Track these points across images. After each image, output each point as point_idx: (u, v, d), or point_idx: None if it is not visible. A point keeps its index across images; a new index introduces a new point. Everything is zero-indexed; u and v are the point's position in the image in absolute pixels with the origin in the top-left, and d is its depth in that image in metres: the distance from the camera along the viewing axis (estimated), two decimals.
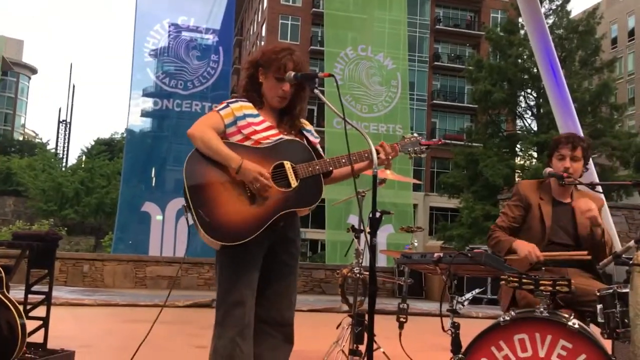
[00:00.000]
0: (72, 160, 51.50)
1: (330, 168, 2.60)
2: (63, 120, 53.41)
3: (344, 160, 2.60)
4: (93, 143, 47.02)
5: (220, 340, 2.47)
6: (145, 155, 15.19)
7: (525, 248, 2.95)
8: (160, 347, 4.99)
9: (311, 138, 2.71)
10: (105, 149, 42.24)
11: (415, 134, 2.87)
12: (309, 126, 2.76)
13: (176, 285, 12.56)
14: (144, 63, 15.33)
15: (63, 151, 51.92)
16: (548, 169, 3.12)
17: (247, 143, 2.54)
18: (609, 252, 3.04)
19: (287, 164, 2.54)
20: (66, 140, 52.73)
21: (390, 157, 2.68)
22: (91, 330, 6.68)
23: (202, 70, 15.14)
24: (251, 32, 48.50)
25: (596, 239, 3.03)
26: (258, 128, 2.59)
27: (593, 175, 7.23)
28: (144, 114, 15.88)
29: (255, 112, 2.62)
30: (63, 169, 43.85)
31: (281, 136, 2.61)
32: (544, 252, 3.02)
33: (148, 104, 15.65)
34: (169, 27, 15.34)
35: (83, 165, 40.69)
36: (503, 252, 3.04)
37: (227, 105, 2.61)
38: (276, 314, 2.64)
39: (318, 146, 2.71)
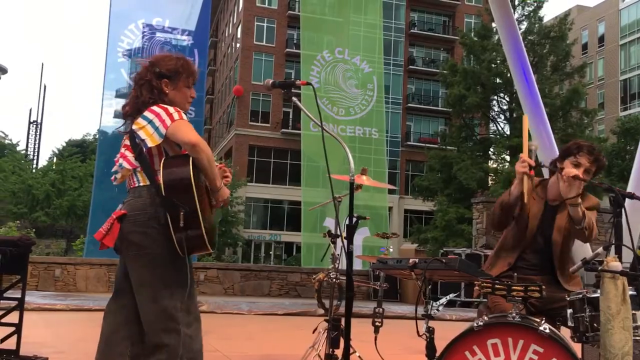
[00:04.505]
0: (42, 161, 50.71)
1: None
2: (34, 121, 52.55)
3: None
4: (64, 144, 46.35)
5: (190, 335, 2.58)
6: None
7: (518, 176, 2.96)
8: None
9: None
10: (77, 150, 41.61)
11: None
12: None
13: None
14: (118, 63, 15.18)
15: (33, 153, 51.09)
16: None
17: None
18: (588, 235, 2.98)
19: None
20: (37, 142, 51.89)
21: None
22: (64, 336, 6.58)
23: None
24: (226, 34, 48.28)
25: (573, 227, 2.99)
26: None
27: None
28: (117, 114, 15.70)
29: None
30: (33, 170, 43.12)
31: None
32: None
33: (121, 104, 15.47)
34: (143, 27, 15.22)
35: (54, 167, 40.02)
36: (506, 198, 3.03)
37: (185, 114, 2.65)
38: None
39: None
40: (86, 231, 15.93)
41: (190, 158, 2.49)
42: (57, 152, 45.25)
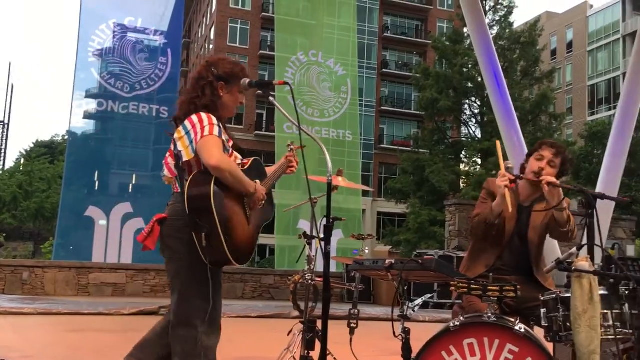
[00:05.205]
0: (10, 163, 49.58)
1: (273, 182, 2.91)
2: (0, 122, 51.37)
3: (279, 174, 3.05)
4: (32, 145, 45.50)
5: (207, 346, 2.58)
6: (88, 158, 14.80)
7: (500, 192, 2.98)
8: (109, 357, 4.85)
9: None
10: (45, 151, 40.90)
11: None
12: None
13: (121, 292, 12.25)
14: (88, 63, 14.95)
15: (0, 154, 49.94)
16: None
17: None
18: (571, 236, 3.09)
19: (258, 183, 2.73)
20: (3, 142, 50.73)
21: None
22: (33, 340, 6.43)
23: (150, 73, 14.88)
24: (199, 35, 47.94)
25: (558, 230, 3.07)
26: (229, 146, 2.72)
27: None
28: (87, 115, 15.46)
29: None
30: (0, 172, 42.19)
31: (242, 156, 2.82)
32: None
33: (92, 105, 15.25)
34: (115, 27, 15.01)
35: (21, 169, 39.26)
36: (490, 216, 3.05)
37: (218, 126, 2.59)
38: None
39: None
40: (54, 234, 15.62)
41: (214, 176, 2.50)
42: (24, 153, 44.36)
